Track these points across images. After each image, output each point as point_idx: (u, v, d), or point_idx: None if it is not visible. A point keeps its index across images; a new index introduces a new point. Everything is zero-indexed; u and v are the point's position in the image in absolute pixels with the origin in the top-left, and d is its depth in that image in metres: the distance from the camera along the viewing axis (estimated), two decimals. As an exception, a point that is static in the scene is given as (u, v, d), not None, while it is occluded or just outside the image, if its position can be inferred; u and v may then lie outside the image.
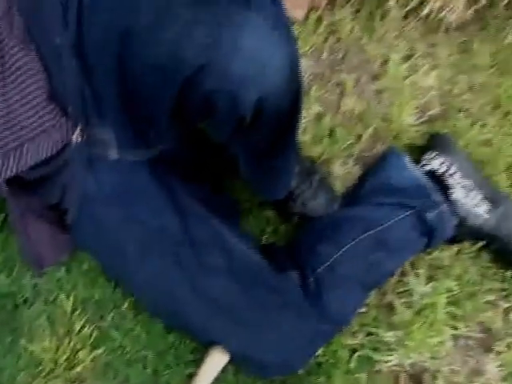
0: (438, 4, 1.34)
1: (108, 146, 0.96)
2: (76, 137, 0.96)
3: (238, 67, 0.76)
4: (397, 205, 1.13)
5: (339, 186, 1.22)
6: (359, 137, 1.27)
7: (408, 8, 1.37)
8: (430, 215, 1.11)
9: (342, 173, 1.24)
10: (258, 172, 1.00)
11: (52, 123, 0.95)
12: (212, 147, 1.02)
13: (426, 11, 1.34)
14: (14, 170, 0.95)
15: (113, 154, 0.97)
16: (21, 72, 0.93)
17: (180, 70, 0.79)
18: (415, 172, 1.18)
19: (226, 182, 1.17)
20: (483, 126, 1.29)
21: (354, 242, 1.08)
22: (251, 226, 1.17)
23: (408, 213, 1.11)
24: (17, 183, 0.99)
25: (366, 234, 1.09)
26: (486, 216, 1.14)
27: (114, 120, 0.93)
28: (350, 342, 1.08)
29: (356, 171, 1.24)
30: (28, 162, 0.95)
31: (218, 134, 0.89)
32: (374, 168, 1.22)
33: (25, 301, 1.11)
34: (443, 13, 1.35)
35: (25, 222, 1.04)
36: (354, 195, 1.19)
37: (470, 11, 1.36)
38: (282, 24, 0.80)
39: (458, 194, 1.15)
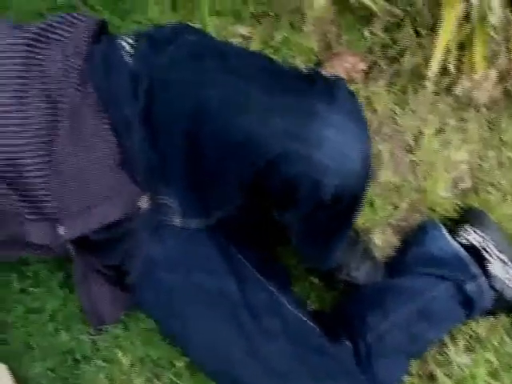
0: (468, 84, 1.41)
1: (173, 213, 1.01)
2: (143, 203, 1.00)
3: (322, 157, 0.82)
4: (437, 276, 1.18)
5: (379, 255, 1.27)
6: (396, 207, 1.33)
7: (440, 86, 1.44)
8: (470, 287, 1.16)
9: (382, 242, 1.28)
10: (312, 245, 1.05)
11: (121, 189, 0.98)
12: (268, 215, 1.06)
13: (457, 91, 1.41)
14: (81, 231, 0.99)
15: (177, 221, 1.01)
16: (93, 139, 0.97)
17: (258, 154, 0.84)
18: (453, 244, 1.23)
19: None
20: (514, 200, 1.35)
21: (398, 313, 1.12)
22: (297, 291, 1.21)
23: (448, 284, 1.16)
24: (82, 243, 1.02)
25: (409, 305, 1.13)
26: (522, 290, 1.19)
27: (180, 189, 0.98)
28: (397, 409, 1.12)
29: (395, 240, 1.29)
30: (95, 224, 0.98)
31: (291, 214, 0.93)
32: (412, 238, 1.28)
33: (84, 357, 1.13)
34: (473, 92, 1.42)
35: (87, 280, 1.07)
36: (396, 265, 1.24)
37: (499, 90, 1.44)
38: (360, 115, 0.87)
39: (494, 267, 1.20)
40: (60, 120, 0.97)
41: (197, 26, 1.44)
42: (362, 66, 1.48)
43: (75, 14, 1.08)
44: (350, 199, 0.89)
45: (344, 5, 1.50)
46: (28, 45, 0.98)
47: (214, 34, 1.44)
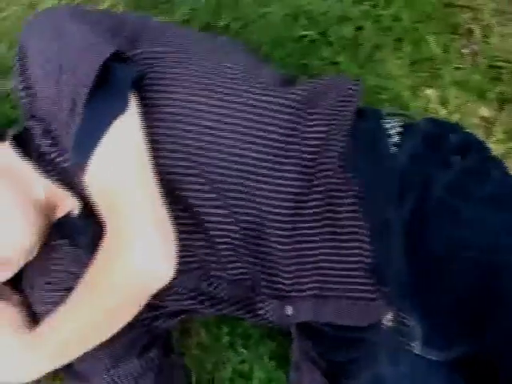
0: None
1: (414, 338, 0.91)
2: (386, 320, 0.90)
3: None
4: None
5: None
6: None
7: None
8: None
9: None
10: None
11: (364, 295, 0.89)
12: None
13: None
14: (309, 318, 0.93)
15: (416, 347, 0.91)
16: (344, 231, 0.89)
17: None
18: None
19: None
20: None
21: None
22: None
23: None
24: (307, 328, 0.96)
25: None
26: None
27: (427, 314, 0.89)
28: None
29: None
30: (325, 318, 0.92)
31: None
32: None
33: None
34: None
35: (300, 367, 1.00)
36: None
37: None
38: None
39: None
40: (311, 196, 0.90)
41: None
42: None
43: (340, 79, 1.01)
44: None
45: None
46: (297, 108, 0.91)
47: (452, 108, 1.28)
